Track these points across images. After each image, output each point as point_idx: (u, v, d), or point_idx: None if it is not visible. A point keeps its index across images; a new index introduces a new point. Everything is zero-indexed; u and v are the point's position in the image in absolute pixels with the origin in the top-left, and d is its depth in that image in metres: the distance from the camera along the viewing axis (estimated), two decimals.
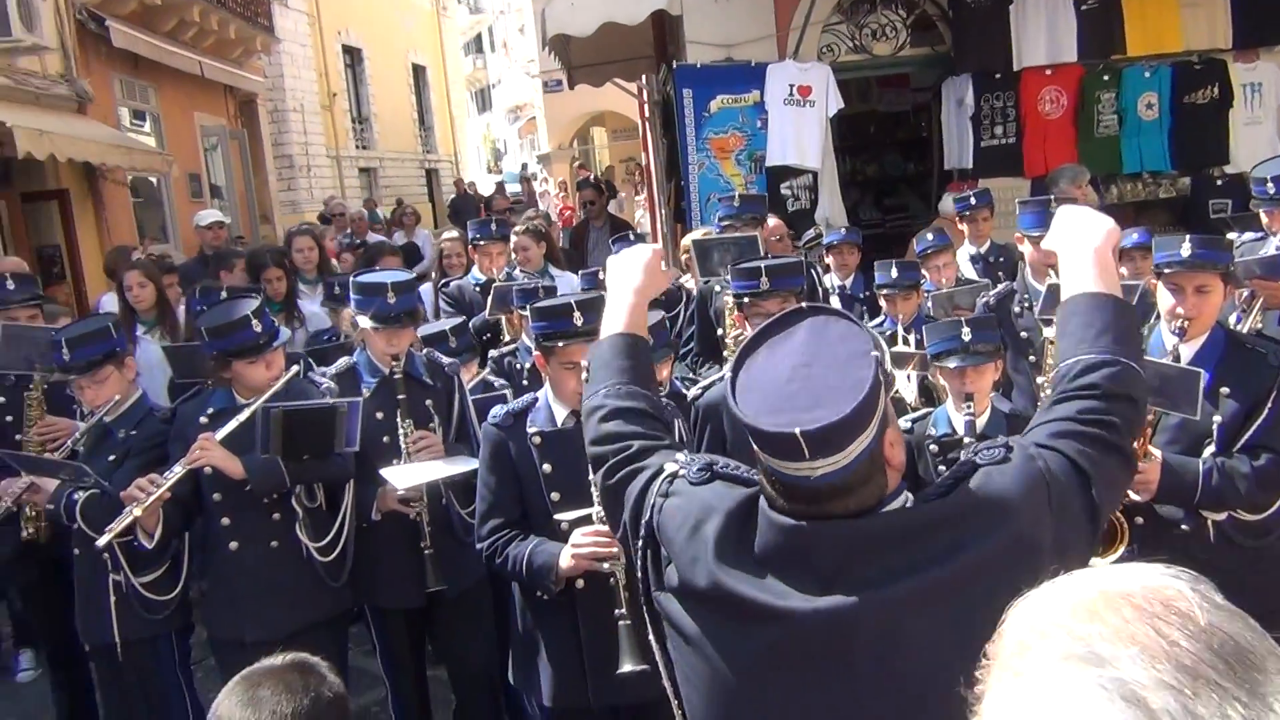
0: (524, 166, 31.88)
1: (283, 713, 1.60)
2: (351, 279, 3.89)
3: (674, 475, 1.76)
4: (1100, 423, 1.69)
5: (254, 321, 3.52)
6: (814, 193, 8.21)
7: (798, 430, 1.49)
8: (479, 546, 3.21)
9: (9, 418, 4.45)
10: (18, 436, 4.37)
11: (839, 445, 1.51)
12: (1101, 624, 0.84)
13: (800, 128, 7.78)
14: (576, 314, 2.99)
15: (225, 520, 3.63)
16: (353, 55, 25.35)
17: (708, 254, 4.27)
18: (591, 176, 17.58)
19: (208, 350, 3.63)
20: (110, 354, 3.65)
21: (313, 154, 22.38)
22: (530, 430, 3.14)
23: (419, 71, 29.17)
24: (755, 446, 1.60)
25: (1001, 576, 1.50)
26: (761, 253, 4.35)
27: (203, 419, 3.60)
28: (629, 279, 2.16)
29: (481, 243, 5.75)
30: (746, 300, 3.33)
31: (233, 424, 3.49)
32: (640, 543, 1.77)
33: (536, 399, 3.24)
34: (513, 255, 5.91)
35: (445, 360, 4.01)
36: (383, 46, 26.31)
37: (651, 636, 1.83)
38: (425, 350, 4.07)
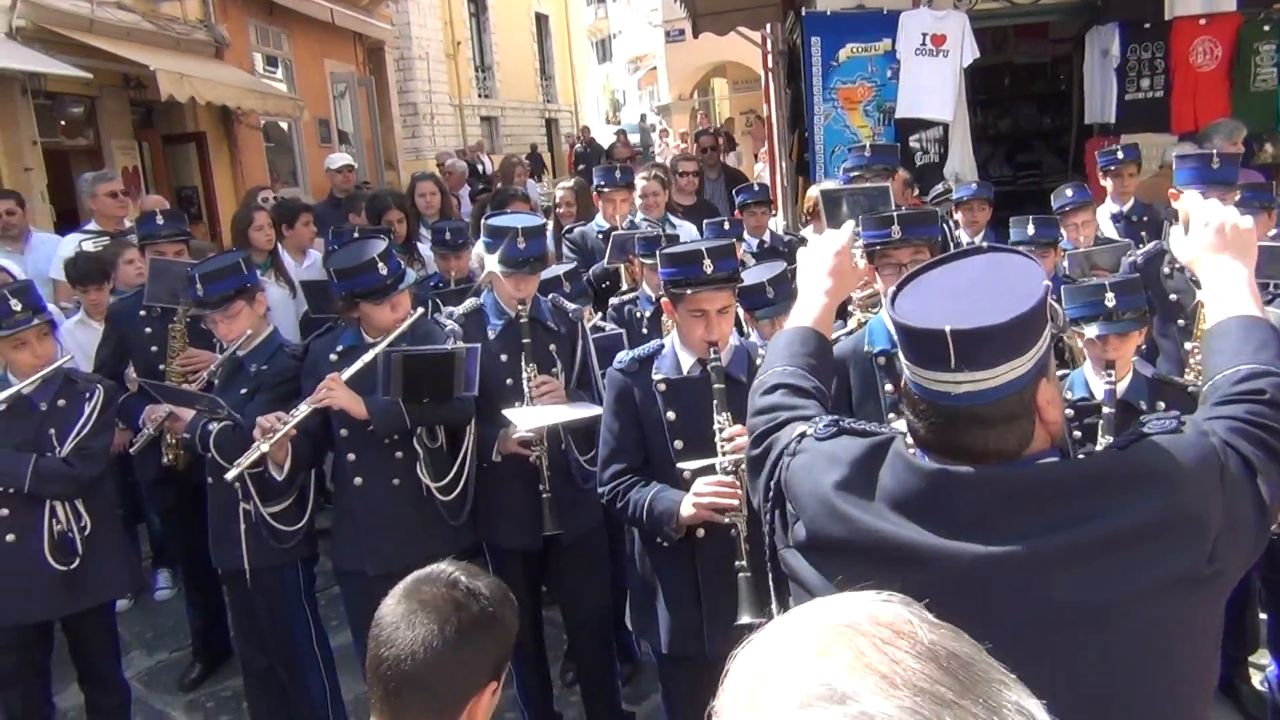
0: (643, 117, 31.74)
1: (443, 618, 1.64)
2: (483, 221, 3.91)
3: (801, 435, 1.74)
4: (1268, 428, 1.60)
5: (380, 264, 3.56)
6: (944, 146, 7.94)
7: (947, 328, 1.44)
8: (600, 491, 3.22)
9: (154, 348, 4.64)
10: (160, 367, 4.55)
11: (988, 360, 1.45)
12: (834, 658, 0.79)
13: (932, 78, 7.51)
14: (707, 261, 2.94)
15: (350, 456, 3.72)
16: (477, 4, 25.53)
17: (836, 204, 4.13)
18: (711, 128, 17.38)
19: (336, 291, 3.69)
20: (241, 289, 3.75)
21: (436, 102, 22.67)
22: (655, 377, 3.12)
23: (541, 20, 29.22)
24: (902, 355, 1.56)
25: (1155, 546, 1.45)
26: (893, 205, 4.21)
27: (333, 356, 3.67)
28: (820, 281, 2.15)
29: (606, 189, 5.72)
30: (878, 249, 3.22)
31: (357, 365, 3.56)
32: (769, 504, 1.76)
33: (663, 345, 3.21)
34: (636, 202, 5.86)
35: (569, 306, 4.01)
36: None
37: (774, 598, 1.80)
38: (550, 295, 4.07)
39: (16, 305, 3.60)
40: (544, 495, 3.70)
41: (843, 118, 7.78)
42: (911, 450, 1.59)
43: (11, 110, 10.22)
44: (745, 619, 2.79)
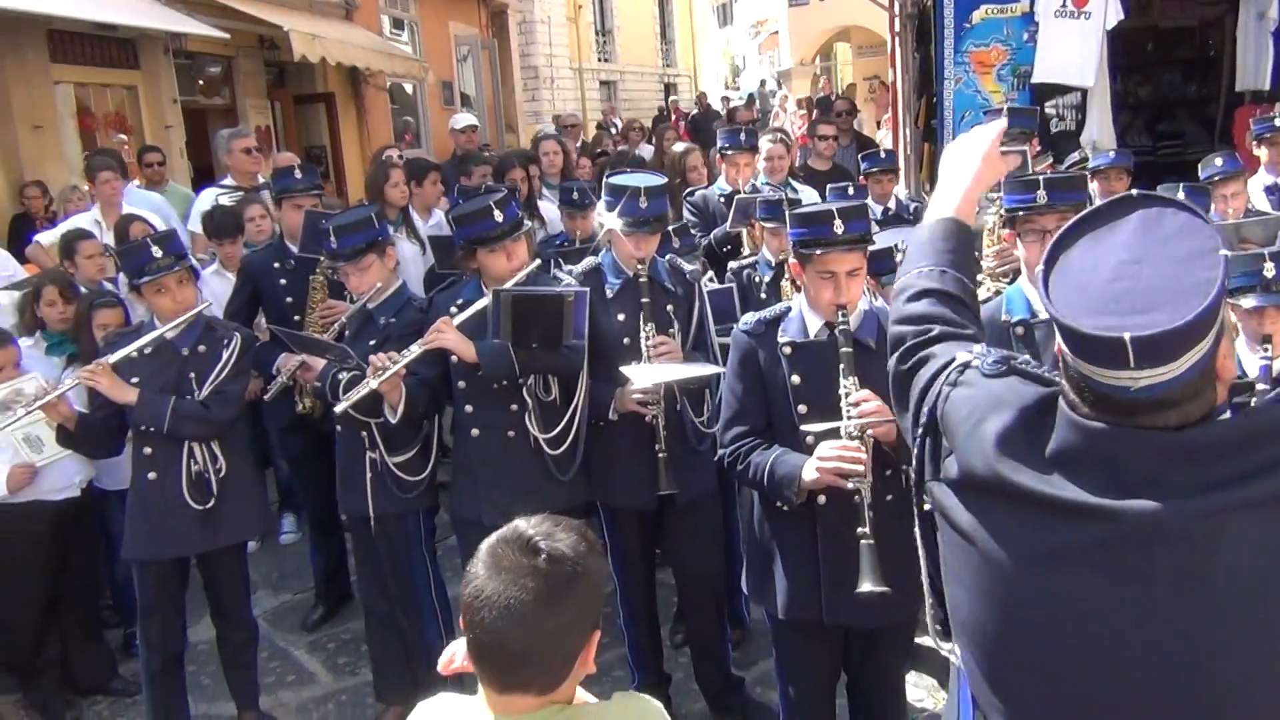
0: (762, 83, 31.30)
1: (530, 586, 1.60)
2: (605, 179, 3.90)
3: (965, 365, 1.66)
4: None
5: (496, 211, 3.60)
6: (1081, 113, 7.63)
7: (1127, 336, 1.36)
8: (720, 453, 3.19)
9: (288, 299, 4.77)
10: (295, 317, 4.69)
11: (1171, 355, 1.36)
12: None
13: (1073, 41, 7.17)
14: (838, 221, 2.87)
15: (468, 408, 3.77)
16: None
17: None
18: (832, 95, 17.02)
19: (456, 240, 3.74)
20: (373, 243, 3.82)
21: (557, 65, 22.77)
22: (781, 340, 3.07)
23: None
24: (1066, 349, 1.48)
25: None
26: (1029, 170, 4.06)
27: (453, 309, 3.72)
28: (967, 163, 2.02)
29: (730, 152, 5.64)
30: (1020, 214, 3.10)
31: (470, 310, 3.62)
32: (920, 431, 1.69)
33: (789, 308, 3.15)
34: (760, 165, 5.77)
35: (687, 267, 3.98)
36: None
37: (918, 531, 1.75)
38: (668, 256, 4.04)
39: (158, 252, 3.73)
40: (660, 455, 3.69)
41: (974, 82, 7.53)
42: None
43: (154, 69, 10.62)
44: (866, 587, 2.74)
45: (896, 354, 1.83)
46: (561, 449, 3.74)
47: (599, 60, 25.29)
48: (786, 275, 4.52)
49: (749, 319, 3.19)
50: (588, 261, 3.95)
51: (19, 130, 8.97)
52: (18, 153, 8.95)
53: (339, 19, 13.10)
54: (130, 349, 3.77)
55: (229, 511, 3.88)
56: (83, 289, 5.49)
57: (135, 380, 3.74)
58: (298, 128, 13.33)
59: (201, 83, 11.81)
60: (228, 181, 6.97)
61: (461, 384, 3.74)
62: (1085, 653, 1.48)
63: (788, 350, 3.06)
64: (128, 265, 3.83)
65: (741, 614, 4.66)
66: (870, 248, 3.11)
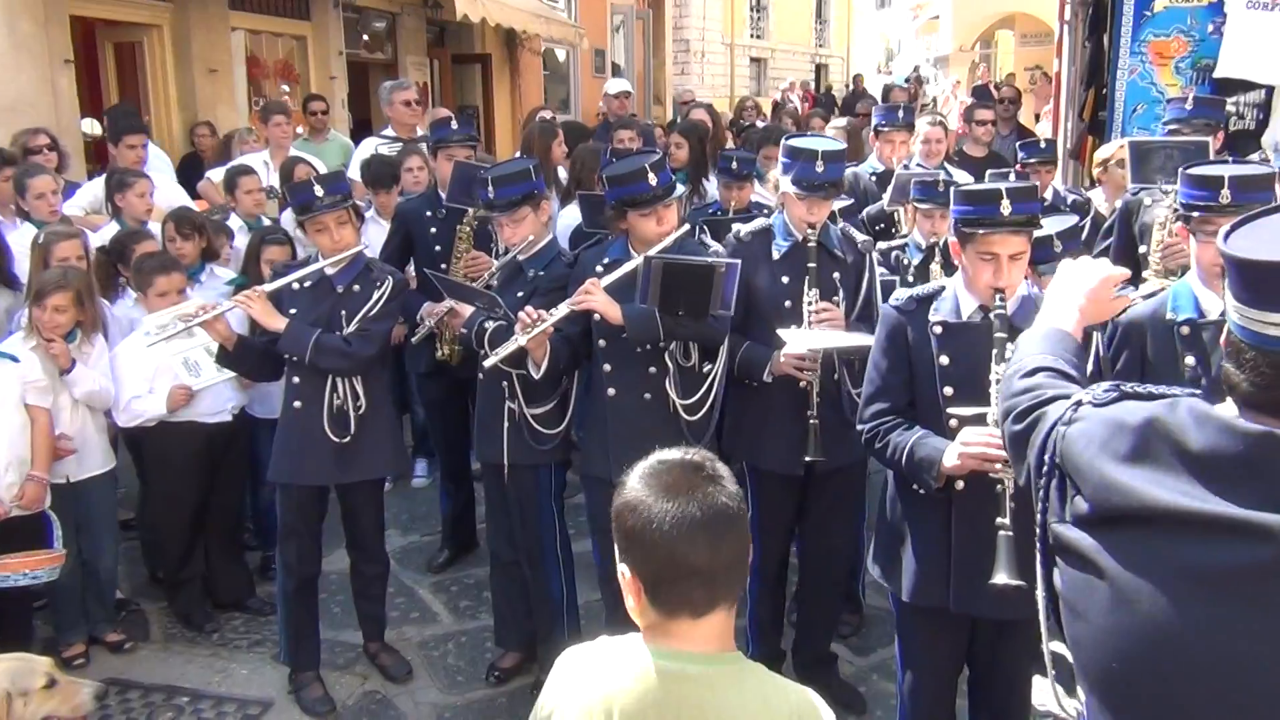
0: (915, 68, 30.54)
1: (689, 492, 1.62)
2: (784, 141, 3.86)
3: (1078, 403, 1.61)
4: None
5: (650, 174, 3.59)
6: (1264, 112, 7.16)
7: None
8: (859, 428, 3.14)
9: (437, 248, 4.89)
10: (443, 266, 4.79)
11: None
12: None
13: (1264, 36, 6.75)
14: (1005, 201, 2.77)
15: (606, 367, 3.79)
16: None
17: (1148, 158, 3.83)
18: (990, 84, 16.48)
19: (608, 199, 3.75)
20: (529, 195, 3.87)
21: (709, 40, 22.68)
22: (932, 319, 2.99)
23: None
24: (1230, 295, 1.41)
25: None
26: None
27: (599, 267, 3.75)
28: (1074, 299, 2.05)
29: (885, 129, 5.54)
30: (1197, 215, 2.94)
31: (619, 272, 3.63)
32: (1043, 479, 1.62)
33: (943, 287, 3.07)
34: (916, 148, 5.64)
35: (859, 236, 3.91)
36: None
37: (1039, 569, 1.68)
38: (841, 225, 3.99)
39: (319, 191, 3.86)
40: (811, 421, 3.66)
41: (1150, 74, 7.17)
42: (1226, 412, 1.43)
43: (324, 21, 10.99)
44: (1001, 579, 2.66)
45: (1011, 416, 1.80)
46: (698, 415, 3.74)
47: (751, 36, 25.06)
48: (936, 259, 4.41)
49: (900, 295, 3.12)
50: (758, 222, 3.93)
51: (195, 73, 9.41)
52: (194, 94, 9.41)
53: None
54: (288, 280, 3.93)
55: (365, 448, 4.01)
56: (246, 224, 5.76)
57: (293, 311, 3.89)
58: (453, 86, 13.62)
59: (366, 37, 12.16)
60: (388, 132, 7.17)
61: (602, 342, 3.77)
62: (1228, 693, 1.35)
63: (938, 330, 2.98)
64: (293, 202, 3.98)
65: (858, 596, 4.60)
66: (1040, 229, 3.00)
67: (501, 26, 12.23)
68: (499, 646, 4.37)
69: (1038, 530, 1.65)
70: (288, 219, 5.59)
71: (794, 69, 26.56)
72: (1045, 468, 1.62)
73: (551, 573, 4.09)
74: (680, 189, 3.97)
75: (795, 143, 3.77)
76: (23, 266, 4.72)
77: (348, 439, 3.95)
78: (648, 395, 3.76)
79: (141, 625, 4.70)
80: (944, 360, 2.97)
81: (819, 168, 3.63)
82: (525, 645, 4.30)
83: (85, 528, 4.38)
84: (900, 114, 5.65)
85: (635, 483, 1.69)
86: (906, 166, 5.51)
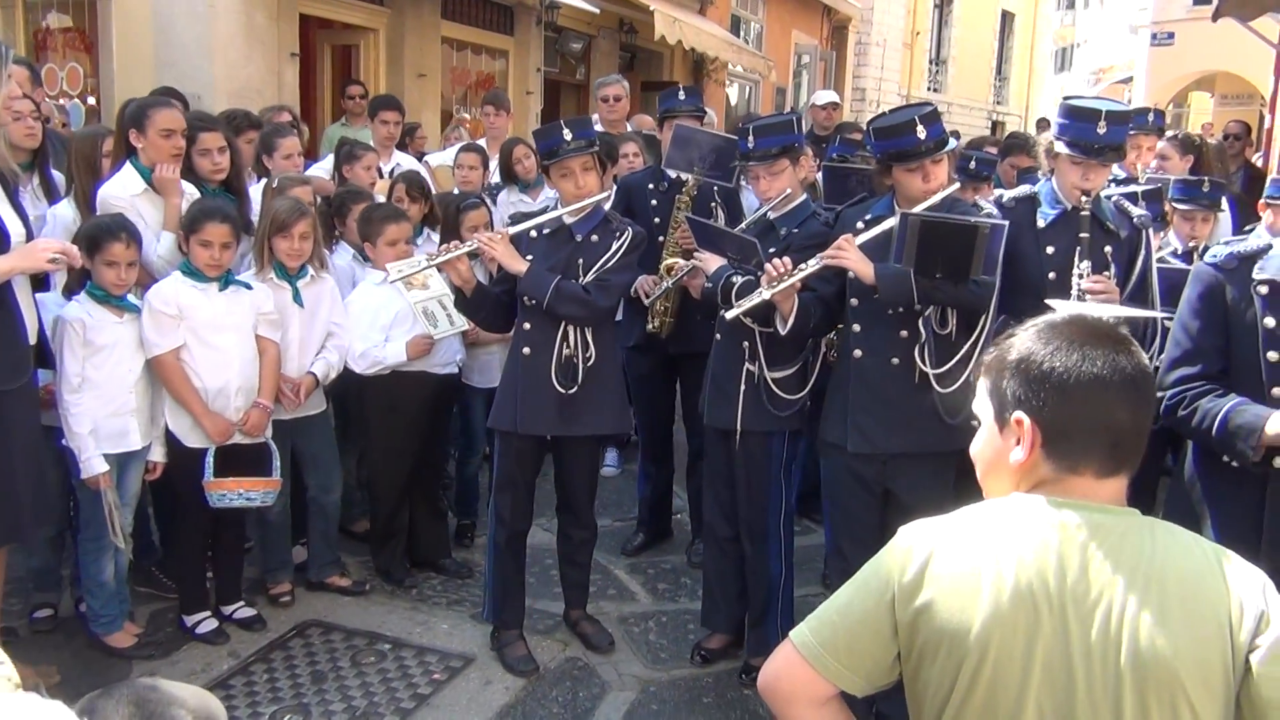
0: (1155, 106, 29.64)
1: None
2: (1062, 100, 3.62)
3: None
4: None
5: (920, 127, 3.37)
6: None
7: None
8: (1159, 394, 2.83)
9: (655, 220, 4.79)
10: (660, 238, 4.69)
11: None
12: None
13: None
14: None
15: (856, 326, 3.56)
16: None
17: None
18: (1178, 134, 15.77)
19: (875, 152, 3.56)
20: (789, 148, 3.72)
21: (885, 89, 22.44)
22: (1257, 278, 2.68)
23: (1007, 19, 28.05)
24: None
25: None
26: None
27: (859, 224, 3.55)
28: None
29: (1133, 132, 5.22)
30: None
31: (876, 230, 3.42)
32: None
33: (1270, 245, 2.76)
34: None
35: (1135, 210, 3.62)
36: None
37: None
38: (1116, 195, 3.71)
39: (568, 135, 3.79)
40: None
41: None
42: None
43: (525, 38, 11.27)
44: None
45: None
46: (952, 388, 3.45)
47: (928, 89, 24.70)
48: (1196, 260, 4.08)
49: (1219, 251, 2.82)
50: (1022, 189, 3.69)
51: (406, 76, 9.73)
52: (403, 97, 9.71)
53: (694, 11, 13.44)
54: (529, 225, 3.87)
55: (589, 402, 3.88)
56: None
57: (530, 257, 3.83)
58: (640, 111, 13.76)
59: (561, 57, 12.42)
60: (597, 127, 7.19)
61: (854, 301, 3.56)
62: None
63: (1264, 290, 2.67)
64: (541, 146, 3.93)
65: None
66: None
67: (690, 57, 12.32)
68: (705, 627, 4.17)
69: None
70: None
71: (969, 124, 26.01)
72: None
73: (771, 547, 3.86)
74: (953, 143, 3.75)
75: (1078, 102, 3.52)
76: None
77: (574, 389, 3.84)
78: (895, 360, 3.50)
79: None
80: (1269, 322, 2.65)
81: (1100, 129, 3.38)
82: (734, 628, 4.09)
83: (312, 464, 4.43)
84: (1150, 116, 5.33)
85: (1040, 332, 1.54)
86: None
